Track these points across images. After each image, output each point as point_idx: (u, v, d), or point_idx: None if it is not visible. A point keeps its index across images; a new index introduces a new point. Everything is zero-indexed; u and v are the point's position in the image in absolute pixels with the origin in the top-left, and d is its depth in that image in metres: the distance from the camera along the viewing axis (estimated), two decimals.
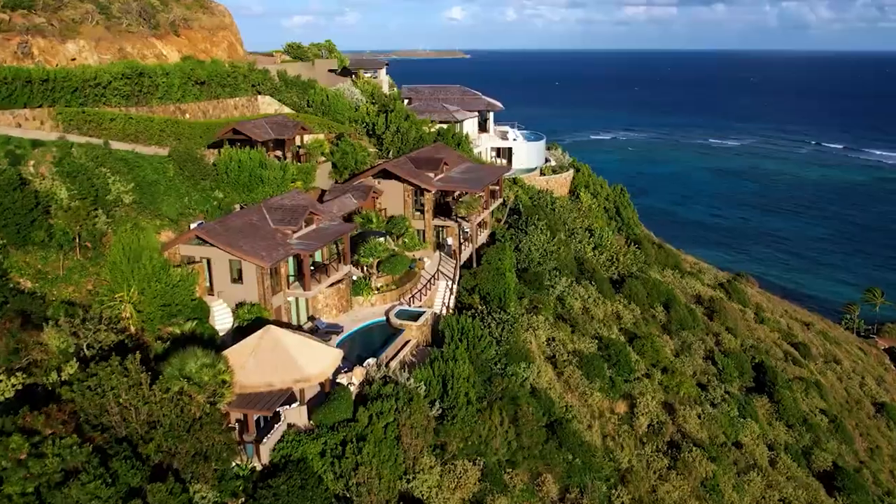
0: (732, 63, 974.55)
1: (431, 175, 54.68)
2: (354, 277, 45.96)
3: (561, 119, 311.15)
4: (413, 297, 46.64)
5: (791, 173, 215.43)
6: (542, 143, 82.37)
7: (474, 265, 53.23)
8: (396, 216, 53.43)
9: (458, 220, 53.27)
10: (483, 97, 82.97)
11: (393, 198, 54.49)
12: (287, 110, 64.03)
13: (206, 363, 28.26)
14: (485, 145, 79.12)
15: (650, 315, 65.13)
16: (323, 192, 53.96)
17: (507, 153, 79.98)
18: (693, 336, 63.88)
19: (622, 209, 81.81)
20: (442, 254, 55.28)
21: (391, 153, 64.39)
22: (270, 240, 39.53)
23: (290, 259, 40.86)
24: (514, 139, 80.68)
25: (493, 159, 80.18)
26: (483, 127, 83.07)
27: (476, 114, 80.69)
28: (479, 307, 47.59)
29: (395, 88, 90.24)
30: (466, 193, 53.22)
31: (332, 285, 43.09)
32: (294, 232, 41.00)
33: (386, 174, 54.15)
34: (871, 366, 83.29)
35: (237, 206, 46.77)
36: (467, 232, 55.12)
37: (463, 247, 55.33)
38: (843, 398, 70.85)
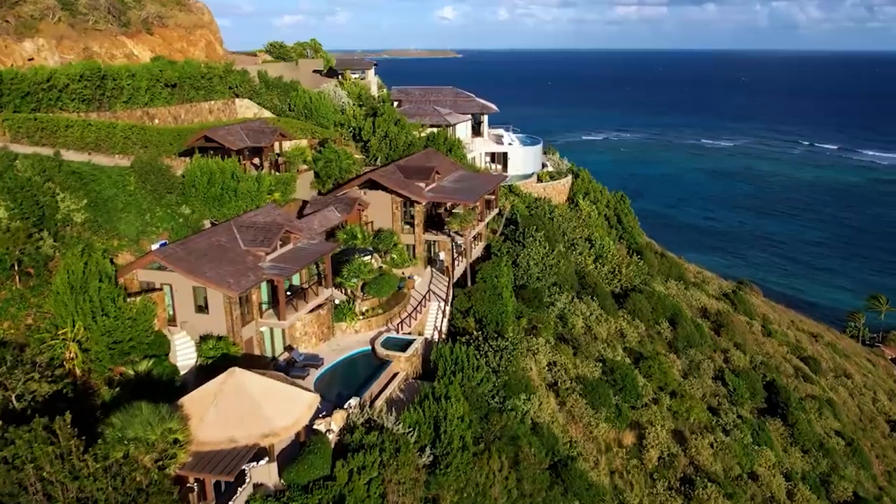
0: (724, 63, 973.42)
1: (422, 185, 50.11)
2: (337, 301, 41.32)
3: (553, 119, 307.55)
4: (402, 321, 42.04)
5: (785, 174, 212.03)
6: (538, 148, 77.73)
7: (469, 282, 48.73)
8: (384, 230, 48.86)
9: (451, 234, 48.71)
10: (476, 99, 78.30)
11: (380, 210, 49.90)
12: (267, 114, 59.30)
13: (152, 421, 23.57)
14: (479, 150, 74.50)
15: (655, 332, 60.83)
16: (304, 204, 49.26)
17: (502, 158, 75.32)
18: (701, 354, 59.62)
19: (623, 217, 77.43)
20: (433, 270, 50.79)
21: (379, 160, 59.77)
22: (240, 263, 34.86)
23: (264, 284, 36.21)
24: (510, 143, 76.02)
25: (488, 165, 75.60)
26: (477, 131, 78.44)
27: (469, 117, 76.00)
28: (475, 332, 43.08)
29: (385, 90, 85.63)
30: (460, 205, 48.67)
31: (311, 311, 38.45)
32: (268, 254, 36.34)
33: (373, 184, 49.53)
34: (882, 378, 79.34)
35: (207, 223, 42.03)
36: (461, 246, 50.60)
37: (456, 262, 50.82)
38: (856, 416, 66.79)
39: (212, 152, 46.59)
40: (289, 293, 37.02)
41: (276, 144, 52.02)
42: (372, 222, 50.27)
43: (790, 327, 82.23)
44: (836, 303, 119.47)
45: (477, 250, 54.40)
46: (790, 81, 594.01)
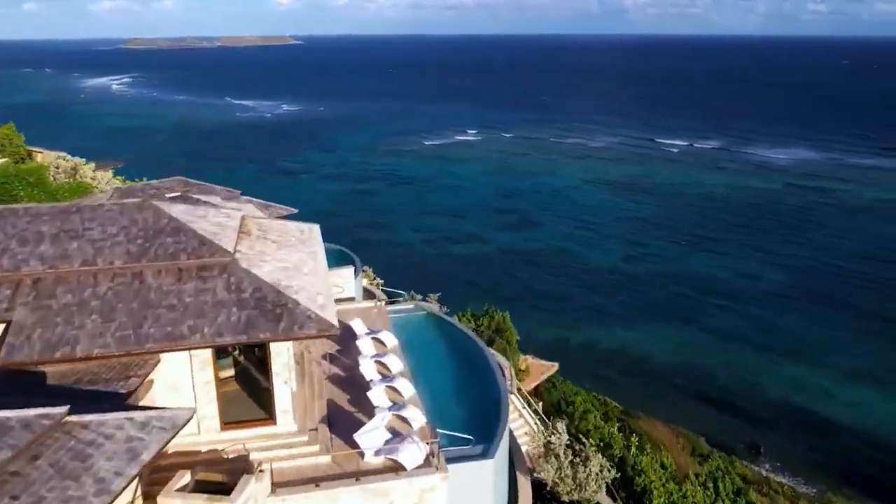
0: (563, 48, 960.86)
1: None
2: None
3: (398, 119, 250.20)
4: None
5: (686, 183, 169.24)
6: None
7: None
8: None
9: None
10: (288, 230, 17.33)
11: None
12: None
13: None
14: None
15: None
16: None
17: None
18: None
19: None
20: None
21: None
22: None
23: None
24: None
25: None
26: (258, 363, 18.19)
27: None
28: None
29: None
30: None
31: None
32: None
33: None
34: None
35: None
36: None
37: None
38: None
39: None
40: None
41: None
42: None
43: None
44: (852, 407, 72.73)
45: None
46: (630, 69, 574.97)
